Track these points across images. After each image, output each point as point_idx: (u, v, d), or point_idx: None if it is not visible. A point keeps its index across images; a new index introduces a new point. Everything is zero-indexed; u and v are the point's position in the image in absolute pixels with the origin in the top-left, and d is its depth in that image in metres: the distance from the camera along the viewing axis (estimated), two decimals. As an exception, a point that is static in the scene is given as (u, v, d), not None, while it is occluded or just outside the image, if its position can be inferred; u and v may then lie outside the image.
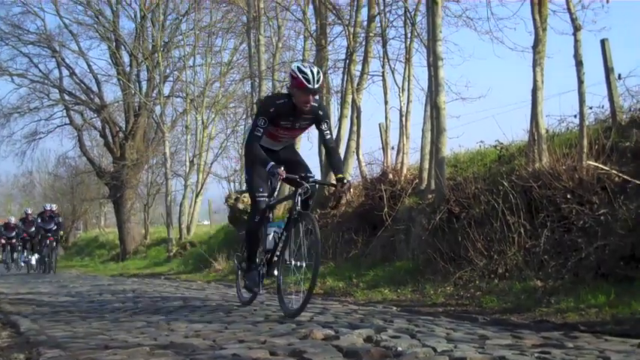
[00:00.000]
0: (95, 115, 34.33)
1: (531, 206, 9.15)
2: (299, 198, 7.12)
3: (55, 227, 24.58)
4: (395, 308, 8.10)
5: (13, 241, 28.25)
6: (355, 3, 15.59)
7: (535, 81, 9.89)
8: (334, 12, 16.26)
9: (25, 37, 33.30)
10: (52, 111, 35.01)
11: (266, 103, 7.40)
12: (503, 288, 8.37)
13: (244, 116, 27.67)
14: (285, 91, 9.51)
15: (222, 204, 23.77)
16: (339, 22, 16.26)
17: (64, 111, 34.89)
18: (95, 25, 32.65)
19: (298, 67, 6.95)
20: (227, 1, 23.48)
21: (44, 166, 48.32)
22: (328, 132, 7.28)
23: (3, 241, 28.74)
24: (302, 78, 6.78)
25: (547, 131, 10.18)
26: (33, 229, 25.90)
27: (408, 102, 13.73)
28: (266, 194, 7.49)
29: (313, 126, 7.39)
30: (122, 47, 32.78)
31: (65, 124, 35.27)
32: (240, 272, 8.36)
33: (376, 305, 8.54)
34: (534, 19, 10.05)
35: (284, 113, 7.07)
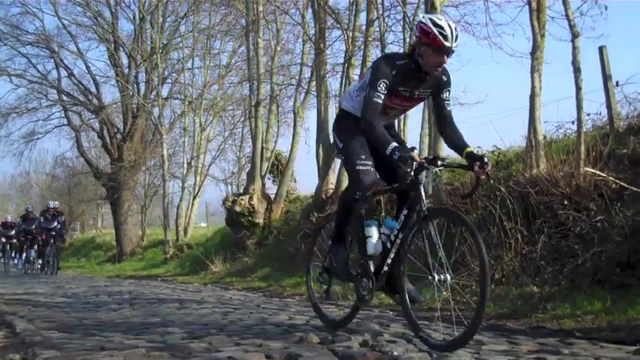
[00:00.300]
0: (93, 116, 34.34)
1: (528, 212, 9.15)
2: (423, 187, 5.43)
3: (59, 226, 23.59)
4: (391, 313, 8.10)
5: (13, 240, 26.82)
6: (354, 7, 15.63)
7: (533, 87, 9.91)
8: (333, 16, 16.30)
9: (23, 38, 33.32)
10: (50, 111, 35.05)
11: (385, 62, 5.57)
12: (499, 293, 8.37)
13: (242, 119, 27.69)
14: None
15: (219, 206, 23.82)
16: (338, 26, 16.30)
17: (62, 112, 34.92)
18: (94, 27, 32.69)
19: (432, 20, 5.39)
20: (226, 4, 23.50)
21: (42, 167, 48.31)
22: (449, 102, 5.76)
23: (3, 240, 27.12)
24: (437, 33, 5.27)
25: (545, 137, 10.20)
26: (34, 226, 24.54)
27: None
28: (370, 163, 5.72)
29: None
30: (121, 49, 32.81)
31: (63, 125, 35.27)
32: (312, 287, 6.73)
33: (372, 309, 8.53)
34: (533, 26, 10.08)
35: (405, 78, 5.55)
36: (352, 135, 5.83)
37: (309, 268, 6.72)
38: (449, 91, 5.74)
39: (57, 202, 26.12)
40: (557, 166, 9.24)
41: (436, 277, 5.17)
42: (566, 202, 8.69)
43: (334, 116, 16.12)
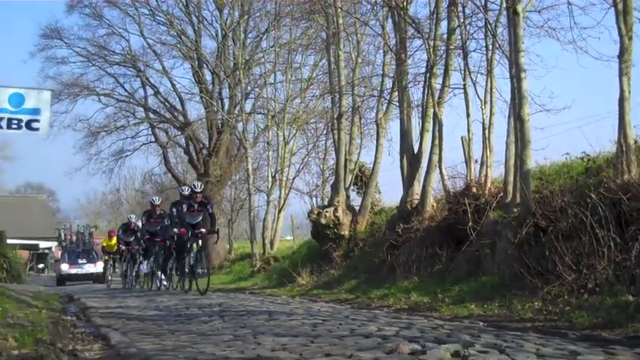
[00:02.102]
0: (179, 133, 35.10)
1: (621, 219, 8.92)
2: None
3: (209, 219, 16.60)
4: (482, 323, 7.99)
5: (135, 247, 21.89)
6: (435, 16, 15.51)
7: (622, 90, 9.67)
8: (414, 25, 16.22)
9: (110, 58, 34.43)
10: (138, 129, 36.06)
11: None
12: (593, 303, 8.17)
13: (325, 131, 27.80)
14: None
15: (304, 219, 23.86)
16: (419, 35, 16.19)
17: (150, 129, 35.86)
18: (178, 45, 33.51)
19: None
20: (306, 18, 23.67)
21: (131, 183, 49.49)
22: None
23: (122, 247, 22.75)
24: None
25: (636, 142, 9.93)
26: (159, 227, 18.89)
27: (491, 114, 13.57)
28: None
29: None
30: (204, 66, 33.51)
31: (150, 142, 36.21)
32: None
33: (462, 320, 8.44)
34: (619, 28, 9.84)
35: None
36: None
37: None
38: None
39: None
40: (650, 171, 8.99)
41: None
42: (660, 208, 8.44)
43: (417, 127, 16.12)
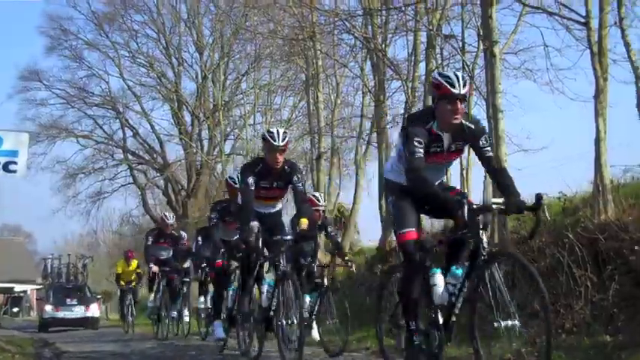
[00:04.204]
0: (158, 174, 35.05)
1: (598, 259, 8.91)
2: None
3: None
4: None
5: (177, 268, 14.65)
6: (413, 58, 15.65)
7: (598, 131, 9.74)
8: (392, 67, 16.33)
9: (90, 100, 34.48)
10: (117, 171, 35.97)
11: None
12: (571, 343, 8.12)
13: (304, 172, 27.79)
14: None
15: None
16: (397, 77, 16.31)
17: (128, 170, 35.77)
18: (158, 87, 33.64)
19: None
20: (286, 59, 23.80)
21: (108, 225, 48.88)
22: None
23: (154, 269, 14.68)
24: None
25: (612, 182, 9.98)
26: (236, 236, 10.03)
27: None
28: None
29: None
30: (184, 107, 33.61)
31: (129, 184, 36.05)
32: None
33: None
34: (595, 69, 9.96)
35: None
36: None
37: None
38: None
39: None
40: (627, 211, 9.02)
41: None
42: (636, 248, 8.44)
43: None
